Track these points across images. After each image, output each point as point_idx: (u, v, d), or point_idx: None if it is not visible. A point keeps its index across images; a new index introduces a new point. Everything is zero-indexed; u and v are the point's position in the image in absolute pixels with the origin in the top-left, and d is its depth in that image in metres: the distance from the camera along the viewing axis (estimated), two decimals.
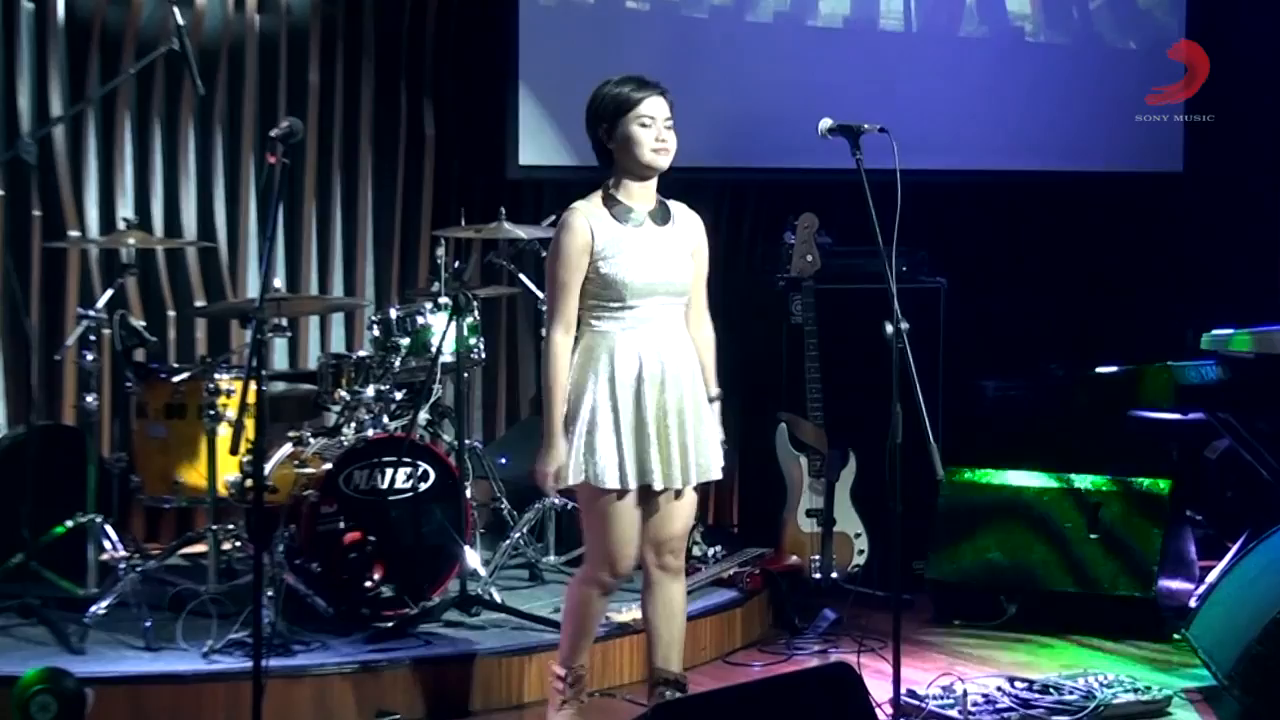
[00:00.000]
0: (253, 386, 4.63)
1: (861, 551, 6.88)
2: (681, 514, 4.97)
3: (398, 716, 5.31)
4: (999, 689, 5.50)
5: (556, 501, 6.66)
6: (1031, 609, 6.67)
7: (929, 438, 4.90)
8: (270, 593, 5.46)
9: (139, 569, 5.78)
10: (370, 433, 6.00)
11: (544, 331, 4.98)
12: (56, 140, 6.90)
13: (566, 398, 4.77)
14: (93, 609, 5.59)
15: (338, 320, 7.59)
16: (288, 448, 6.10)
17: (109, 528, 5.96)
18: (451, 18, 7.73)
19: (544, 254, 6.73)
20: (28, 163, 6.00)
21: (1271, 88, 8.93)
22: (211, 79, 7.09)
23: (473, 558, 6.13)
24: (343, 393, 6.17)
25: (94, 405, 6.04)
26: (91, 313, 5.97)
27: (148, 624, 5.50)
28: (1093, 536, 6.63)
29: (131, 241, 6.23)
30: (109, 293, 6.05)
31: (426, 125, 7.68)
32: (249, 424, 4.81)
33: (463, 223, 6.78)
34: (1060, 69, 8.93)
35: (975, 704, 5.35)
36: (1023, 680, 5.58)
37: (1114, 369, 7.12)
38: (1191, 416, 7.27)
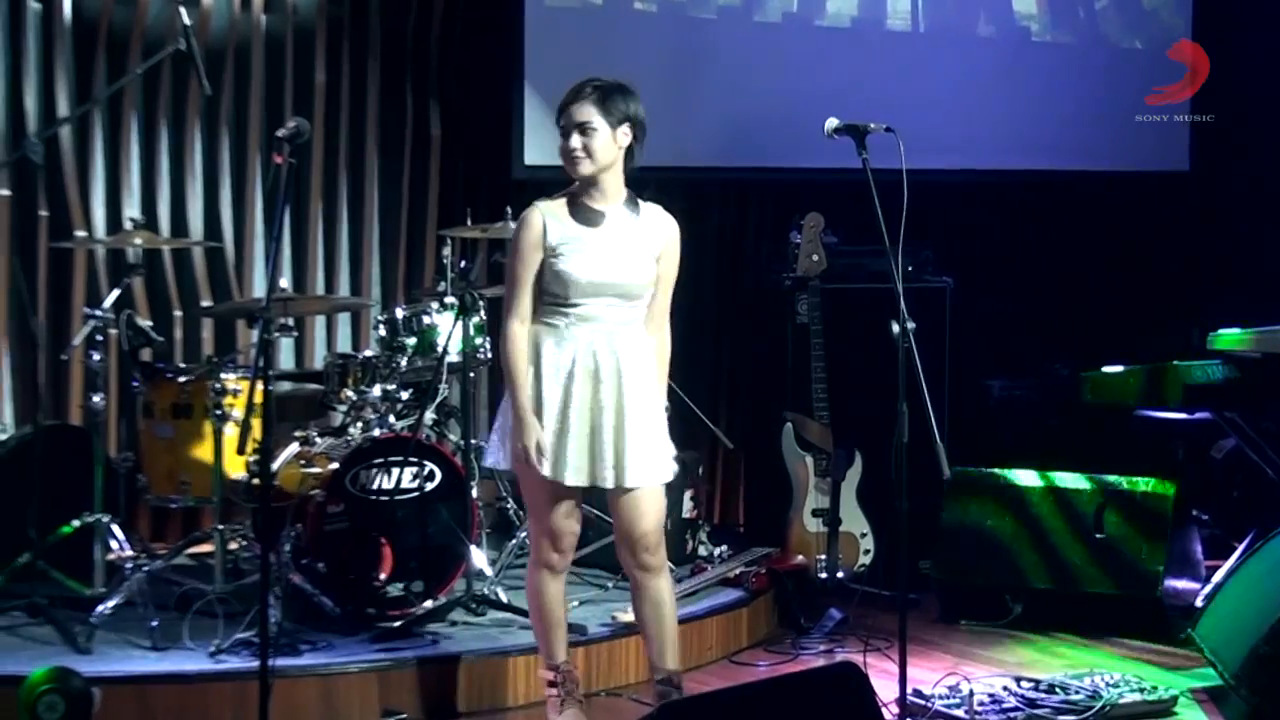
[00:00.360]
0: (259, 386, 4.64)
1: (867, 551, 6.88)
2: (642, 513, 5.00)
3: (404, 716, 5.32)
4: (1005, 688, 5.50)
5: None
6: (1037, 608, 6.67)
7: (935, 437, 4.90)
8: (277, 592, 5.46)
9: (146, 569, 5.80)
10: (376, 432, 6.00)
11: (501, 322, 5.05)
12: (63, 140, 6.91)
13: (529, 381, 4.89)
14: (99, 608, 5.60)
15: (344, 320, 7.59)
16: (294, 447, 6.11)
17: (116, 527, 5.97)
18: (457, 18, 7.73)
19: None
20: (34, 163, 6.00)
21: (1277, 87, 8.93)
22: (218, 79, 7.10)
23: (479, 557, 6.13)
24: (349, 392, 6.18)
25: (101, 405, 6.04)
26: (98, 312, 5.97)
27: (154, 623, 5.51)
28: (1099, 536, 6.63)
29: (138, 241, 6.24)
30: (116, 293, 6.06)
31: (432, 125, 7.69)
32: (255, 424, 4.82)
33: (469, 222, 6.78)
34: (1066, 69, 8.93)
35: (981, 703, 5.35)
36: (1029, 680, 5.58)
37: (1120, 368, 7.12)
38: (1198, 416, 7.27)
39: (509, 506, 6.70)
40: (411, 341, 6.37)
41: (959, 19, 8.74)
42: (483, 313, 6.42)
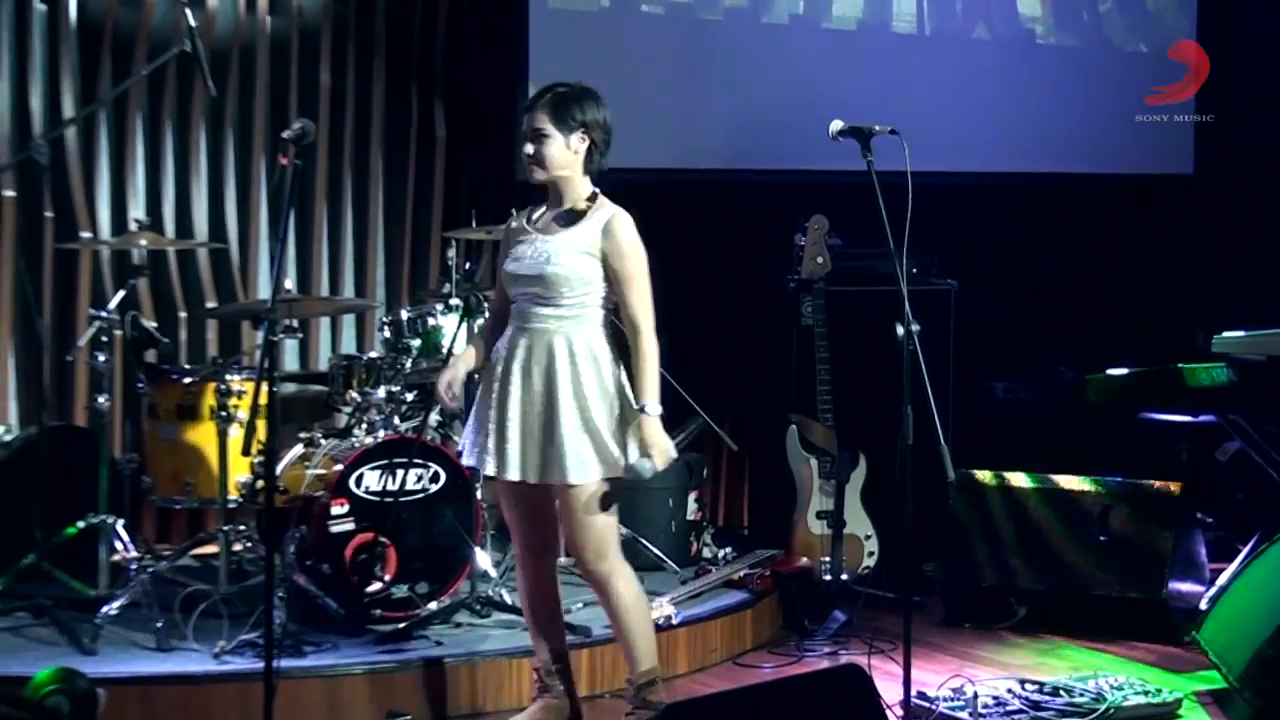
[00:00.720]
0: (264, 388, 4.64)
1: (872, 553, 6.88)
2: (569, 515, 5.01)
3: (408, 717, 5.32)
4: (1009, 691, 5.50)
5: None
6: (1042, 611, 6.67)
7: (939, 439, 4.91)
8: (281, 593, 5.47)
9: (150, 570, 5.80)
10: (381, 434, 6.00)
11: None
12: (69, 142, 6.91)
13: (477, 354, 5.17)
14: (104, 609, 5.60)
15: (349, 321, 7.59)
16: (299, 449, 6.11)
17: (120, 528, 5.97)
18: (462, 19, 7.73)
19: None
20: (40, 164, 6.00)
21: None
22: (223, 80, 7.10)
23: (483, 559, 6.14)
24: (354, 394, 6.18)
25: (106, 406, 6.04)
26: (103, 314, 5.97)
27: (159, 624, 5.51)
28: (1103, 538, 6.63)
29: (143, 243, 6.24)
30: (121, 294, 6.06)
31: (437, 127, 7.69)
32: (260, 425, 4.82)
33: (474, 224, 6.79)
34: (1071, 71, 8.93)
35: (986, 706, 5.35)
36: (1033, 682, 5.58)
37: (1124, 371, 7.12)
38: (1202, 419, 7.27)
39: None
40: (416, 343, 6.37)
41: (964, 21, 8.74)
42: (487, 314, 6.41)
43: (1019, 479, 6.90)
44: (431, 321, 6.42)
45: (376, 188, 7.62)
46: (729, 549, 6.92)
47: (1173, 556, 6.50)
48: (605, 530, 5.01)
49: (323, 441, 6.09)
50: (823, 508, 6.82)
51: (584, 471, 4.90)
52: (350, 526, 5.79)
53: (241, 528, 6.03)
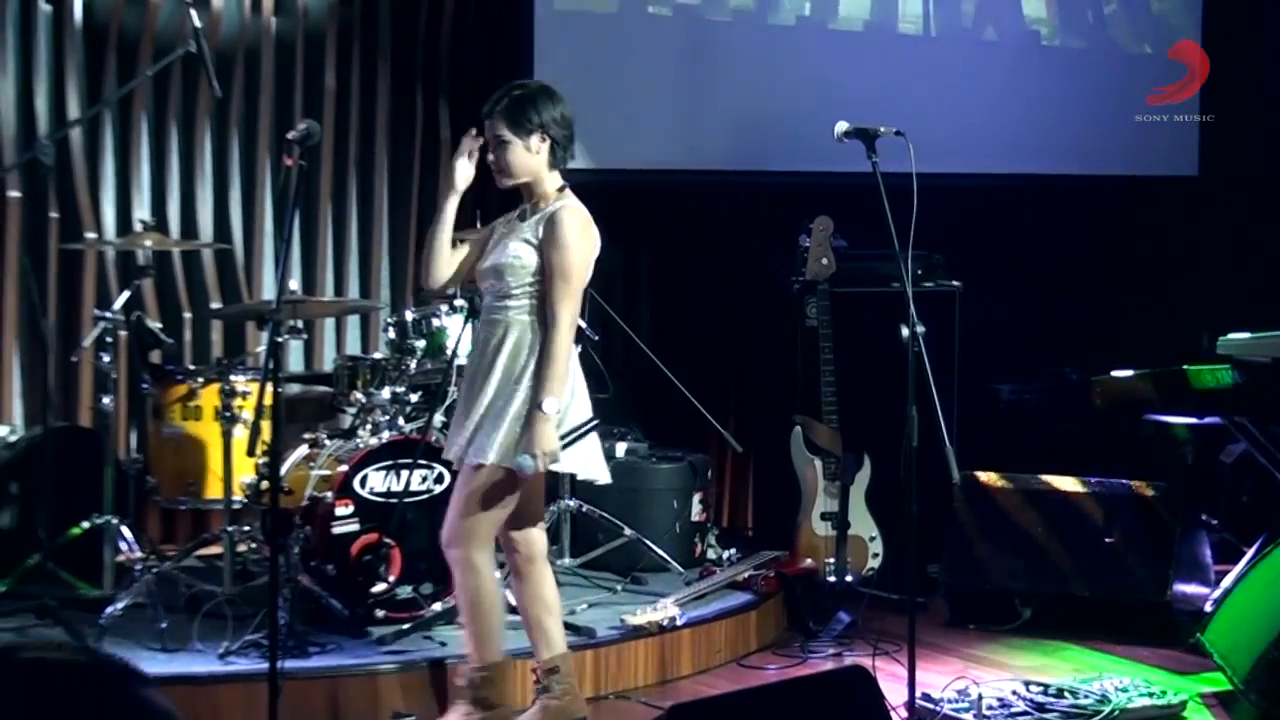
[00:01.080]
0: (269, 388, 4.64)
1: (876, 555, 6.87)
2: (453, 495, 5.08)
3: (413, 718, 5.32)
4: (1014, 692, 5.50)
5: (573, 504, 6.69)
6: (1046, 612, 6.66)
7: (944, 441, 4.90)
8: (285, 594, 5.47)
9: (155, 570, 5.80)
10: (386, 435, 6.00)
11: None
12: (74, 142, 6.91)
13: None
14: (109, 610, 5.60)
15: (353, 322, 7.60)
16: (303, 450, 6.11)
17: (125, 529, 5.98)
18: (467, 20, 7.74)
19: None
20: (45, 164, 6.01)
21: None
22: (228, 81, 7.11)
23: None
24: (358, 395, 6.18)
25: (110, 407, 6.04)
26: (108, 314, 5.98)
27: (163, 625, 5.52)
28: (1108, 540, 6.63)
29: (148, 243, 6.24)
30: (125, 294, 6.06)
31: (442, 127, 7.69)
32: (265, 426, 4.82)
33: (478, 225, 6.77)
34: (1076, 73, 8.93)
35: (990, 707, 5.35)
36: (1038, 684, 5.58)
37: (1129, 372, 7.11)
38: (1207, 421, 7.26)
39: None
40: (421, 344, 6.37)
41: (969, 23, 8.74)
42: None
43: (1024, 481, 6.90)
44: (436, 322, 6.41)
45: (381, 188, 7.62)
46: (733, 550, 6.92)
47: (1177, 558, 6.50)
48: (474, 520, 4.98)
49: (327, 442, 6.09)
50: (827, 509, 6.82)
51: (480, 453, 4.90)
52: (355, 527, 5.79)
53: (246, 529, 6.03)
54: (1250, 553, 6.48)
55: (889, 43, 8.48)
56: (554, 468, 5.01)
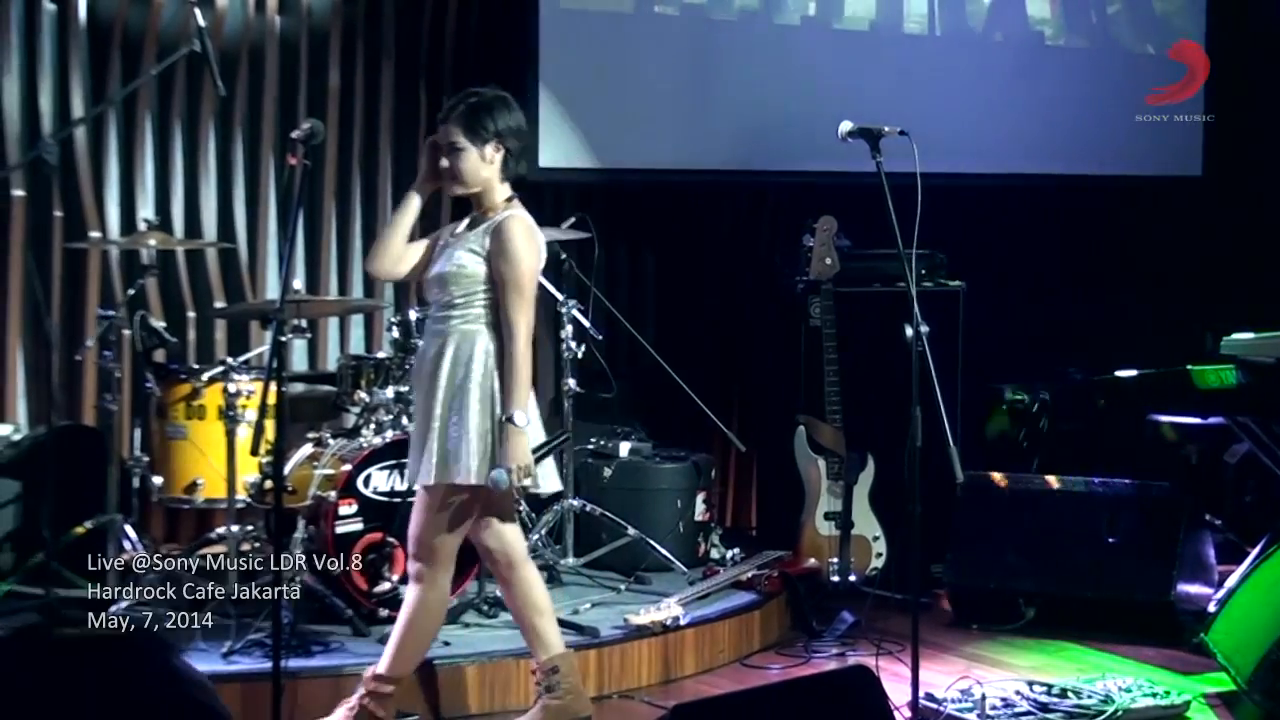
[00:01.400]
0: (272, 388, 4.64)
1: (880, 554, 6.87)
2: (416, 514, 4.96)
3: (416, 717, 5.32)
4: (1017, 692, 5.49)
5: (577, 503, 6.69)
6: (1050, 612, 6.66)
7: (948, 440, 4.90)
8: (289, 594, 5.46)
9: (158, 570, 5.80)
10: (389, 434, 6.00)
11: None
12: (78, 141, 6.92)
13: None
14: (112, 609, 5.60)
15: (357, 322, 7.60)
16: (307, 449, 6.11)
17: (129, 528, 5.98)
18: (472, 19, 7.74)
19: (563, 256, 6.77)
20: (49, 163, 5.99)
21: None
22: (232, 80, 7.11)
23: None
24: (362, 394, 6.18)
25: (114, 406, 6.05)
26: (112, 313, 5.98)
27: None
28: (1111, 540, 6.62)
29: (152, 242, 6.24)
30: (130, 293, 6.07)
31: None
32: (269, 425, 4.82)
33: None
34: (1079, 73, 8.93)
35: (994, 707, 5.34)
36: (1041, 684, 5.57)
37: (1133, 372, 7.12)
38: (1211, 421, 7.26)
39: (521, 509, 6.70)
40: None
41: (974, 23, 8.74)
42: None
43: (1027, 480, 6.89)
44: None
45: (385, 187, 7.62)
46: (737, 550, 6.92)
47: (1181, 559, 6.50)
48: (441, 540, 4.93)
49: (331, 442, 6.09)
50: (831, 509, 6.82)
51: (441, 473, 4.82)
52: (358, 526, 5.80)
53: (250, 528, 6.03)
54: (1254, 553, 6.48)
55: (894, 42, 8.48)
56: (530, 487, 5.00)
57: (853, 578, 6.75)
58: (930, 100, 8.22)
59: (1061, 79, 8.87)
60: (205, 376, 6.09)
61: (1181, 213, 9.26)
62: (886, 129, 5.16)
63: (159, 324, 6.25)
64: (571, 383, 6.70)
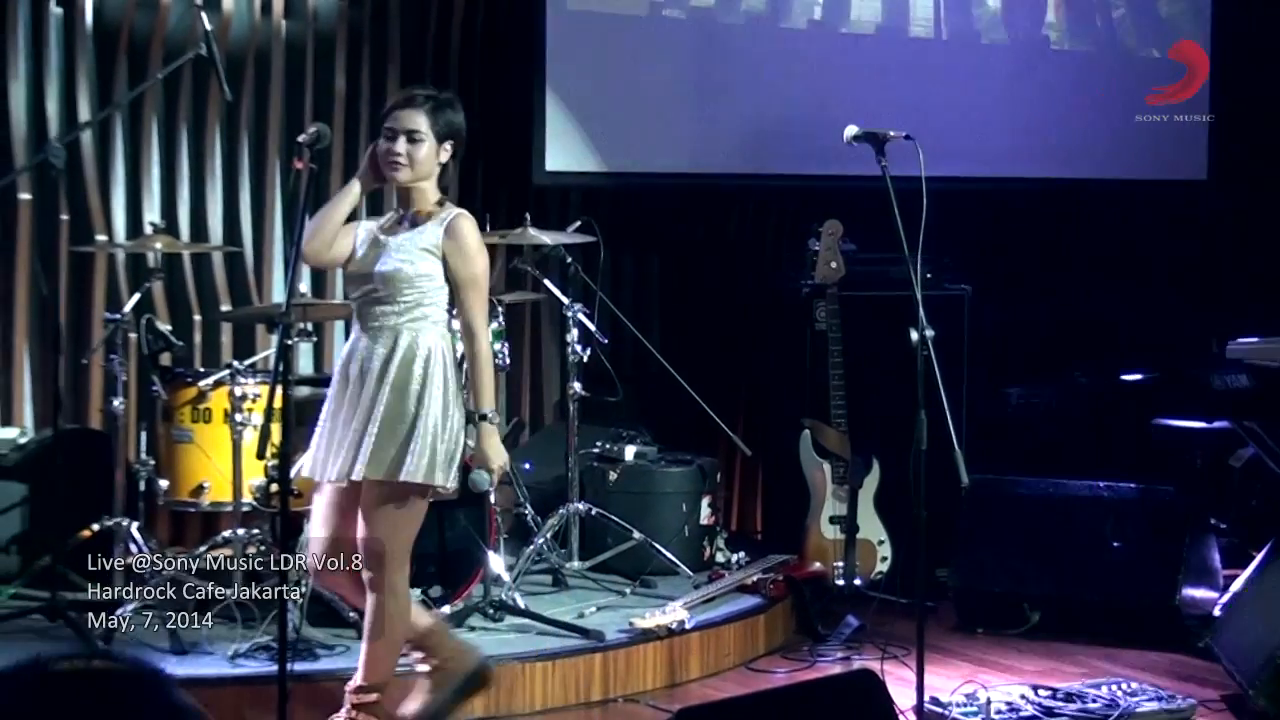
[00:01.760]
0: (278, 391, 4.65)
1: (885, 558, 6.87)
2: (363, 515, 4.83)
3: None
4: (1022, 697, 5.49)
5: (582, 507, 6.69)
6: (1055, 616, 6.66)
7: (953, 444, 4.90)
8: (295, 597, 5.47)
9: (164, 573, 5.80)
10: None
11: None
12: (84, 145, 6.92)
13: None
14: (118, 612, 5.61)
15: None
16: None
17: (135, 531, 5.99)
18: (478, 23, 7.74)
19: (569, 260, 6.77)
20: (56, 167, 6.01)
21: None
22: (238, 84, 7.11)
23: (496, 563, 6.14)
24: None
25: (120, 409, 6.06)
26: (118, 317, 5.99)
27: (173, 627, 5.52)
28: (1116, 544, 6.62)
29: (158, 246, 6.25)
30: (136, 297, 6.08)
31: None
32: (275, 428, 4.83)
33: (487, 228, 6.79)
34: (1085, 76, 8.93)
35: (999, 711, 5.34)
36: (1046, 688, 5.57)
37: (1139, 376, 7.11)
38: (1217, 424, 7.26)
39: (527, 513, 6.71)
40: None
41: (979, 26, 8.74)
42: (500, 319, 6.42)
43: (1033, 484, 6.89)
44: None
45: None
46: (742, 554, 6.92)
47: (1186, 563, 6.49)
48: (395, 543, 4.83)
49: None
50: (836, 513, 6.82)
51: (390, 470, 4.74)
52: None
53: (255, 531, 6.04)
54: (1259, 557, 6.48)
55: (900, 46, 8.48)
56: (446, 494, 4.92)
57: (858, 581, 6.75)
58: (936, 104, 8.22)
59: (1067, 83, 8.87)
60: (211, 380, 6.09)
61: (1188, 216, 9.26)
62: (892, 133, 5.16)
63: (165, 327, 6.26)
64: (577, 386, 6.70)
